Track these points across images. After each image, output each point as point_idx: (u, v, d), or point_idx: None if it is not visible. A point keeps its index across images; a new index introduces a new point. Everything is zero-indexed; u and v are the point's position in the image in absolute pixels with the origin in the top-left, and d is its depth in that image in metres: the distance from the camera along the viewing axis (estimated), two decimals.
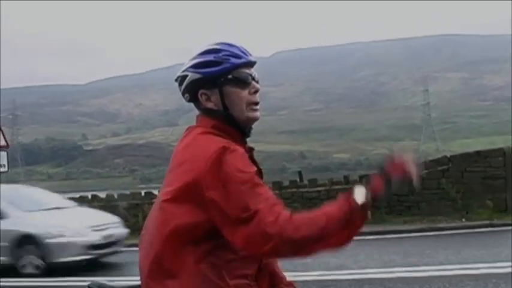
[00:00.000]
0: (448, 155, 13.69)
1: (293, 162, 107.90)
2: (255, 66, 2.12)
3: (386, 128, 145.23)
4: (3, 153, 12.99)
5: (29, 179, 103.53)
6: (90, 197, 16.79)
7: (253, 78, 2.07)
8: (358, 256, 8.79)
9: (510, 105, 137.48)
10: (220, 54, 2.03)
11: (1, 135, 12.87)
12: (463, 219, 12.29)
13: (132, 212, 14.96)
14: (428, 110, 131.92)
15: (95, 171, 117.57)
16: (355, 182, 12.36)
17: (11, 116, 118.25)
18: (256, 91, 2.08)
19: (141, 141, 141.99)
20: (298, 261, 7.98)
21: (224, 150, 1.87)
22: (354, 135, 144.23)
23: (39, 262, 9.95)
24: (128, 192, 17.38)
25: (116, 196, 16.66)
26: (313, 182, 14.67)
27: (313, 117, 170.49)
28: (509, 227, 10.90)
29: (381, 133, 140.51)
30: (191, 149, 1.95)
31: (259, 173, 1.97)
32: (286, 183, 15.00)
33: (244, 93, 2.04)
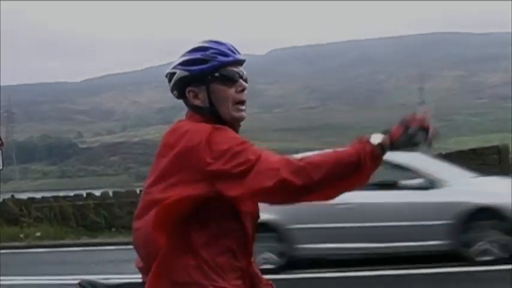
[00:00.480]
0: (443, 153, 13.71)
1: None
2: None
3: (383, 126, 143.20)
4: None
5: (24, 177, 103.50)
6: (85, 195, 16.77)
7: (241, 77, 2.09)
8: None
9: (507, 103, 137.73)
10: (208, 52, 2.07)
11: None
12: None
13: (126, 210, 14.94)
14: (424, 108, 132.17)
15: (90, 169, 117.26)
16: None
17: (6, 114, 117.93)
18: (243, 89, 2.09)
19: (136, 139, 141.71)
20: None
21: (215, 128, 1.95)
22: (350, 133, 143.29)
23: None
24: (123, 190, 17.37)
25: (111, 194, 16.63)
26: None
27: (309, 115, 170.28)
28: None
29: (377, 131, 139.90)
30: (183, 133, 1.97)
31: None
32: None
33: (231, 91, 2.06)
